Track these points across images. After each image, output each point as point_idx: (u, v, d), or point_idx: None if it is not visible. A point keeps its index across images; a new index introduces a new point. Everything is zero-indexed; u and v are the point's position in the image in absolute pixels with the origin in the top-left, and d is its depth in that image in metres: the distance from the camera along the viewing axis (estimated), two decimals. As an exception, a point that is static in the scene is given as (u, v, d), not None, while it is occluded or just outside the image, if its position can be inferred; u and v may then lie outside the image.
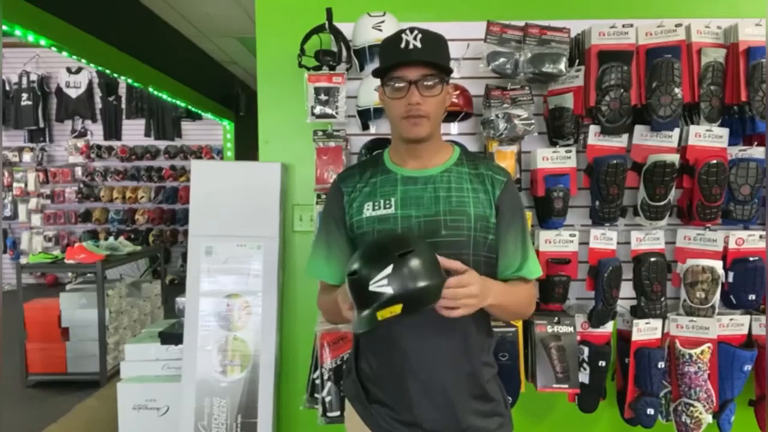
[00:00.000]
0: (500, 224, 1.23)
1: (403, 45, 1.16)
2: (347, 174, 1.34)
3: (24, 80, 7.14)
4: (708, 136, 1.93)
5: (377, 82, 1.90)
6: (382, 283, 0.98)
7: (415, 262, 0.99)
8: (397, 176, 1.26)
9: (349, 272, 1.04)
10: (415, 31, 1.16)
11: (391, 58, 1.17)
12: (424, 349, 1.19)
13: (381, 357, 1.25)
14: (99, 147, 7.47)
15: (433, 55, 1.16)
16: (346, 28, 1.98)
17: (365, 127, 2.08)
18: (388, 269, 0.98)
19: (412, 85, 1.16)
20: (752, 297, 1.96)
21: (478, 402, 1.23)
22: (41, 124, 7.33)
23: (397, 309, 0.97)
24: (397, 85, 1.17)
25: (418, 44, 1.15)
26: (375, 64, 2.02)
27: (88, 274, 4.34)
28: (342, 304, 1.12)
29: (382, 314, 0.97)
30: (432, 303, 1.02)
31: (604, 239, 1.97)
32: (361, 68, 2.03)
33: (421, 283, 0.98)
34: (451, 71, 1.22)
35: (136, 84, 5.36)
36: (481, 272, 1.14)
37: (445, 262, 1.06)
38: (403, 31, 1.17)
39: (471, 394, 1.22)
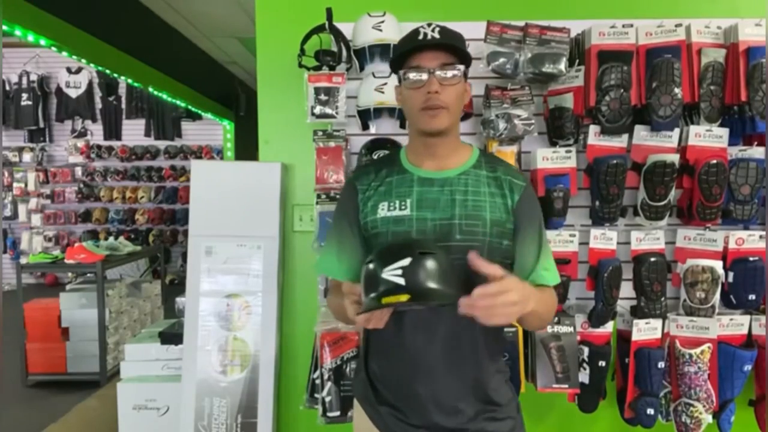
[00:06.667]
0: (517, 230, 1.21)
1: (420, 36, 1.16)
2: (362, 172, 1.32)
3: (24, 80, 7.14)
4: (708, 136, 1.93)
5: (377, 82, 1.94)
6: (396, 272, 0.99)
7: (432, 264, 1.00)
8: (413, 177, 1.24)
9: (367, 260, 1.06)
10: (433, 25, 1.17)
11: (409, 46, 1.17)
12: (432, 353, 1.18)
13: (390, 359, 1.24)
14: (99, 147, 7.48)
15: (451, 43, 1.16)
16: (346, 28, 1.98)
17: (365, 127, 2.08)
18: (406, 261, 0.99)
19: (430, 75, 1.14)
20: (752, 297, 1.96)
21: (486, 406, 1.22)
22: (41, 124, 7.33)
23: (403, 297, 0.98)
24: (414, 75, 1.16)
25: (437, 35, 1.15)
26: (375, 65, 2.05)
27: (88, 274, 4.34)
28: (346, 300, 1.11)
29: (388, 299, 0.99)
30: (437, 305, 1.03)
31: (604, 239, 1.97)
32: (361, 68, 2.03)
33: (432, 285, 0.99)
34: (470, 60, 1.20)
35: (136, 84, 5.36)
36: None
37: (482, 265, 1.03)
38: (420, 25, 1.17)
39: (479, 399, 1.21)
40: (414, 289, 0.98)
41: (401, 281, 0.98)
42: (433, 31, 1.16)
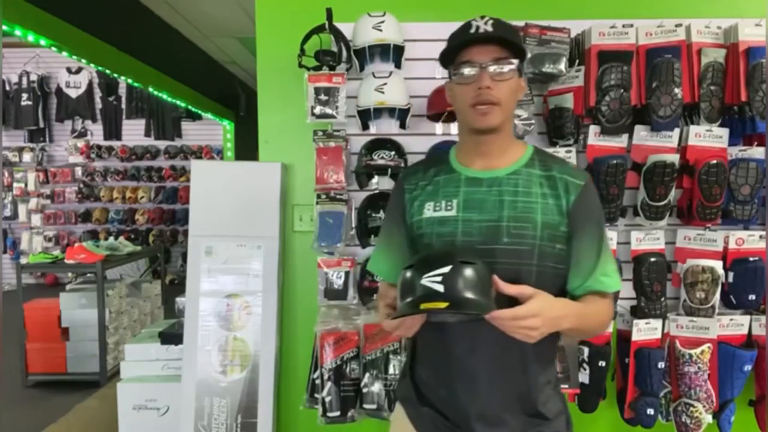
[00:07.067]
0: (574, 233, 1.13)
1: (473, 30, 1.10)
2: (411, 171, 1.28)
3: (24, 80, 7.13)
4: (708, 136, 1.93)
5: (377, 82, 1.95)
6: (435, 279, 0.98)
7: (472, 274, 0.99)
8: (461, 176, 1.18)
9: (406, 267, 1.05)
10: (486, 17, 1.11)
11: (459, 40, 1.12)
12: (478, 363, 1.13)
13: (436, 367, 1.20)
14: (99, 147, 7.48)
15: (505, 36, 1.10)
16: (346, 28, 1.98)
17: (365, 127, 2.07)
18: (446, 269, 0.98)
19: (482, 70, 1.09)
20: (752, 297, 1.96)
21: (533, 420, 1.16)
22: (41, 124, 7.33)
23: (441, 304, 0.96)
24: (465, 70, 1.10)
25: (489, 28, 1.09)
26: (375, 65, 2.05)
27: (88, 274, 4.34)
28: (380, 302, 1.09)
29: (426, 305, 0.97)
30: (472, 315, 1.02)
31: (604, 239, 1.97)
32: (361, 68, 2.03)
33: (470, 294, 0.97)
34: (524, 54, 1.14)
35: (136, 84, 5.36)
36: (547, 284, 1.09)
37: (507, 288, 1.02)
38: (473, 18, 1.12)
39: (525, 412, 1.15)
40: (452, 297, 0.97)
41: (440, 288, 0.97)
42: (486, 24, 1.09)
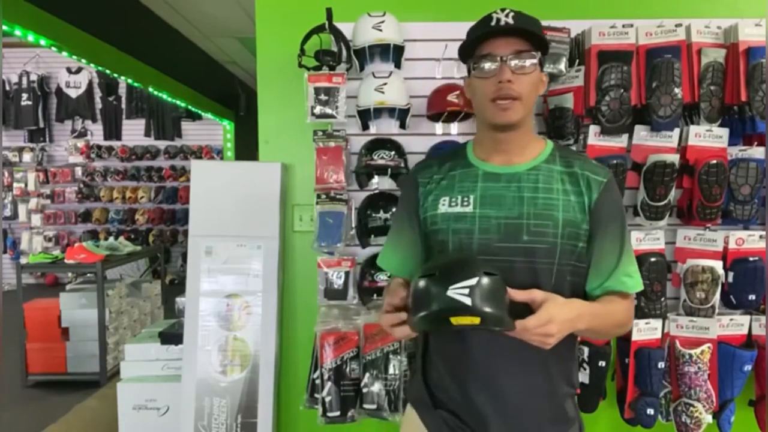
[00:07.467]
0: (595, 231, 1.10)
1: (493, 22, 1.07)
2: (424, 165, 1.25)
3: (24, 80, 7.14)
4: (708, 136, 1.93)
5: (377, 82, 1.95)
6: (462, 291, 0.94)
7: (493, 285, 0.96)
8: (478, 171, 1.15)
9: (422, 274, 1.00)
10: (507, 9, 1.08)
11: (479, 32, 1.09)
12: (496, 363, 1.10)
13: (450, 366, 1.16)
14: (99, 147, 7.48)
15: (527, 29, 1.07)
16: (346, 28, 1.98)
17: (365, 127, 2.07)
18: (473, 281, 0.95)
19: (502, 63, 1.06)
20: (752, 297, 1.96)
21: (553, 425, 1.13)
22: (41, 124, 7.33)
23: (475, 320, 0.93)
24: (486, 64, 1.07)
25: (510, 20, 1.06)
26: (375, 65, 2.04)
27: (88, 274, 4.35)
28: (387, 298, 1.06)
29: (459, 321, 0.94)
30: (501, 330, 0.99)
31: (604, 239, 1.97)
32: (361, 68, 2.03)
33: (492, 309, 0.95)
34: (547, 48, 1.11)
35: (136, 84, 5.37)
36: (565, 283, 1.07)
37: (517, 295, 1.00)
38: (493, 11, 1.09)
39: (546, 416, 1.12)
40: (479, 312, 0.94)
41: (467, 301, 0.93)
42: (507, 16, 1.06)
